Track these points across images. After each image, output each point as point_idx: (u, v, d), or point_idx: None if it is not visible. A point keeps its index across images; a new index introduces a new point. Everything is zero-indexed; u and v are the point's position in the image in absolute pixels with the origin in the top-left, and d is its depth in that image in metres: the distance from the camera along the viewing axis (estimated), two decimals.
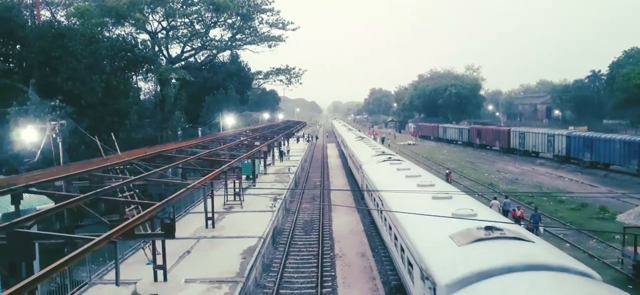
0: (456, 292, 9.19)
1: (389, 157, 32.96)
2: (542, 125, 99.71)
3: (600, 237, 24.15)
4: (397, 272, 17.49)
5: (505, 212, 25.22)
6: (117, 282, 15.36)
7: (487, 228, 11.48)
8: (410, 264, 13.58)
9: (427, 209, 14.13)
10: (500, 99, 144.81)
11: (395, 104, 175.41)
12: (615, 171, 45.74)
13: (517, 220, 22.68)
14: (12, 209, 14.43)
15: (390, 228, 17.92)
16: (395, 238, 16.41)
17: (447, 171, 42.55)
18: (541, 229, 24.15)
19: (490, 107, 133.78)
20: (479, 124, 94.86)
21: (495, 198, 28.91)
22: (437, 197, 16.50)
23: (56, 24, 35.29)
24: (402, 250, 14.94)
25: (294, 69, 73.10)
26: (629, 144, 43.75)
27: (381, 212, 20.65)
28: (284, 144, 61.98)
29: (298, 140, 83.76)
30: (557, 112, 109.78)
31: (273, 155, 49.31)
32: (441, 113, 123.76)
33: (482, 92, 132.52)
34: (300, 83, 75.04)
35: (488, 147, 74.79)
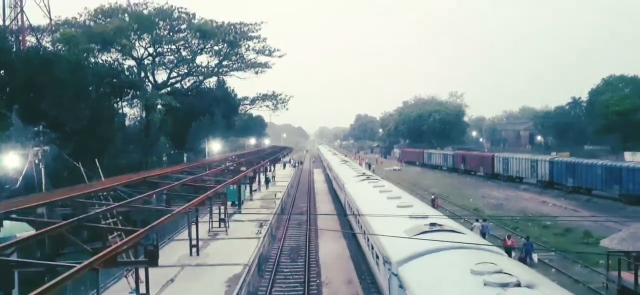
0: (402, 266, 12.92)
1: (368, 177, 38.36)
2: (525, 151, 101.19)
3: (585, 262, 24.37)
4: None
5: (483, 235, 26.66)
6: None
7: (431, 224, 15.58)
8: (377, 256, 17.60)
9: (388, 210, 18.79)
10: (484, 125, 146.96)
11: (380, 130, 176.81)
12: (598, 196, 46.41)
13: (508, 249, 21.37)
14: None
15: (364, 234, 22.07)
16: (368, 240, 20.34)
17: (433, 197, 42.75)
18: (535, 258, 22.85)
19: (474, 133, 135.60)
20: (463, 149, 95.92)
21: (477, 220, 30.49)
22: (402, 206, 20.70)
23: (42, 50, 35.17)
24: (372, 248, 18.86)
25: (280, 94, 73.64)
26: (610, 169, 44.55)
27: (357, 218, 24.84)
28: (270, 170, 61.86)
29: (284, 166, 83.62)
30: (539, 138, 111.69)
31: (259, 181, 49.09)
32: (426, 139, 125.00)
33: (465, 118, 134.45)
34: (287, 108, 75.52)
35: (472, 173, 75.49)
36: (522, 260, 20.81)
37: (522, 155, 66.10)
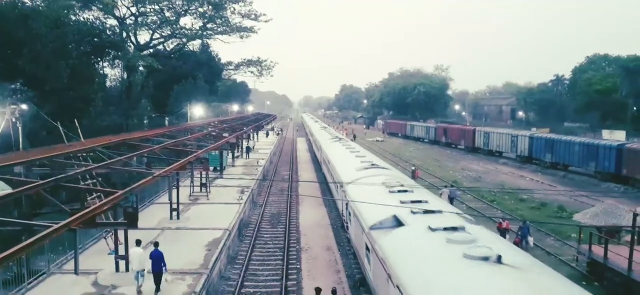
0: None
1: (340, 139, 47.64)
2: (507, 126, 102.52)
3: (557, 235, 25.07)
4: (360, 266, 17.80)
5: (451, 200, 28.41)
6: (76, 271, 15.06)
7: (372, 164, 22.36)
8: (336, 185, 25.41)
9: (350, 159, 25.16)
10: (467, 99, 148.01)
11: (365, 101, 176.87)
12: (574, 172, 47.48)
13: (502, 232, 20.69)
14: None
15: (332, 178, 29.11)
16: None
17: (413, 168, 43.25)
18: (531, 242, 21.22)
19: (457, 107, 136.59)
20: (445, 122, 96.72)
21: (445, 186, 33.79)
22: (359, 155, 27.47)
23: (20, 4, 33.94)
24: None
25: (265, 61, 72.73)
26: (587, 146, 45.48)
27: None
28: (253, 138, 61.61)
29: (267, 134, 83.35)
30: (521, 113, 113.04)
31: (240, 149, 48.91)
32: (410, 111, 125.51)
33: (449, 92, 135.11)
34: (271, 75, 74.75)
35: (454, 146, 76.34)
36: (517, 244, 19.87)
37: (503, 130, 66.97)
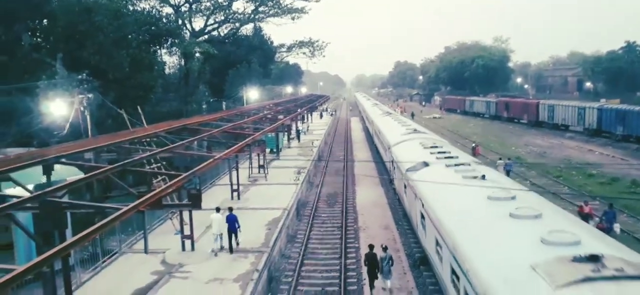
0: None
1: (389, 114, 52.77)
2: (573, 98, 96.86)
3: (631, 212, 23.48)
4: (420, 245, 17.52)
5: (507, 172, 28.51)
6: (146, 250, 15.77)
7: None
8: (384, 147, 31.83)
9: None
10: (529, 71, 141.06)
11: (420, 77, 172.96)
12: None
13: (585, 217, 18.22)
14: (43, 179, 14.79)
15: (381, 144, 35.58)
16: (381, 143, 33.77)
17: (474, 145, 41.84)
18: (617, 229, 18.50)
19: (519, 80, 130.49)
20: (506, 96, 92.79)
21: (500, 158, 34.32)
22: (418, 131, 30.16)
23: None
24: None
25: (317, 41, 72.39)
26: None
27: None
28: (307, 119, 61.81)
29: (321, 115, 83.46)
30: (588, 84, 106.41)
31: (296, 130, 49.23)
32: (468, 86, 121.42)
33: (510, 64, 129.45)
34: (324, 56, 74.33)
35: (516, 121, 73.21)
36: (603, 230, 16.22)
37: (568, 103, 63.35)
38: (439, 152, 21.74)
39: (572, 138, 54.00)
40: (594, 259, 7.74)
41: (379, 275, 15.08)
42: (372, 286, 15.19)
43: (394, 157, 26.49)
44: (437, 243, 13.37)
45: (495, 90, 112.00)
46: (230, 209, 17.32)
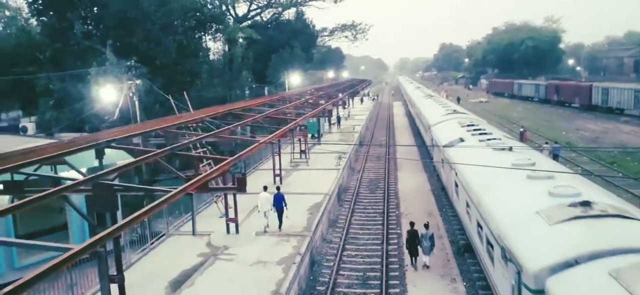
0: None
1: (431, 96, 53.89)
2: (629, 80, 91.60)
3: None
4: (465, 232, 17.23)
5: (555, 156, 27.59)
6: (194, 232, 16.23)
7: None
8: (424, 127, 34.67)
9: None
10: (582, 52, 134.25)
11: (466, 60, 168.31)
12: None
13: None
14: (95, 163, 15.46)
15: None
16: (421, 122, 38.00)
17: (522, 129, 40.41)
18: None
19: (571, 62, 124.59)
20: (557, 79, 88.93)
21: (546, 142, 33.19)
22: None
23: None
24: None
25: (359, 24, 71.78)
26: None
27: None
28: (348, 104, 61.43)
29: (362, 101, 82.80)
30: None
31: (337, 116, 49.07)
32: (516, 68, 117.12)
33: (562, 46, 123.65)
34: (366, 39, 73.74)
35: (567, 104, 70.16)
36: None
37: (624, 85, 60.00)
38: (474, 130, 23.49)
39: (627, 122, 51.23)
40: (585, 203, 9.88)
41: (420, 250, 15.95)
42: (413, 262, 16.24)
43: (433, 136, 28.46)
44: (467, 204, 15.58)
45: (545, 73, 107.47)
46: (278, 188, 18.42)
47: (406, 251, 16.49)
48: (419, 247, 15.89)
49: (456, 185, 18.13)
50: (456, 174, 17.78)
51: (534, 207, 10.54)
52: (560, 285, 7.82)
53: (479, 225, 13.36)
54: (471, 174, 15.50)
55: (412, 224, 16.36)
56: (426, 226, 16.10)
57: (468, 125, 25.02)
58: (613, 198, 11.71)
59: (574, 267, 8.04)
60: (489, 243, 12.13)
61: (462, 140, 21.35)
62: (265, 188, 17.68)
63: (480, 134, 22.09)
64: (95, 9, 34.95)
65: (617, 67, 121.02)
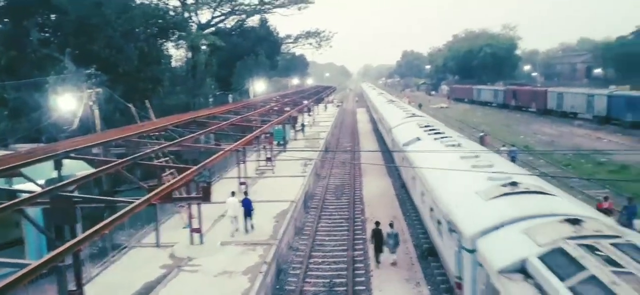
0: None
1: (392, 102, 57.28)
2: (582, 85, 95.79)
3: None
4: (428, 237, 17.59)
5: (512, 159, 28.95)
6: (157, 244, 15.92)
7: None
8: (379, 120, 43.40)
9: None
10: (538, 58, 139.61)
11: (428, 66, 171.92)
12: None
13: (606, 212, 15.91)
14: (54, 174, 14.94)
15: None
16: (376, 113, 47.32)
17: (482, 134, 41.64)
18: (638, 226, 16.88)
19: (527, 68, 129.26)
20: (514, 85, 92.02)
21: (503, 145, 36.50)
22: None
23: None
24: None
25: (323, 32, 72.40)
26: None
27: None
28: (313, 111, 61.63)
29: (326, 107, 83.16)
30: (598, 71, 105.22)
31: (301, 124, 49.10)
32: (476, 74, 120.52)
33: (518, 52, 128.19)
34: (330, 46, 74.37)
35: (524, 109, 72.73)
36: (622, 226, 15.06)
37: (577, 90, 62.77)
38: (430, 130, 26.13)
39: (581, 126, 53.59)
40: (513, 184, 12.34)
41: (384, 248, 16.86)
42: (378, 260, 16.96)
43: (393, 137, 31.66)
44: (422, 193, 17.85)
45: (504, 79, 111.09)
46: (246, 193, 19.26)
47: (371, 250, 17.24)
48: (384, 246, 16.79)
49: (413, 178, 20.69)
50: (413, 168, 20.40)
51: (474, 188, 12.89)
52: (485, 242, 10.09)
53: (431, 209, 15.83)
54: (424, 167, 17.62)
55: (377, 223, 17.15)
56: (391, 225, 17.25)
57: (425, 127, 27.73)
58: (536, 180, 14.61)
59: (498, 229, 10.17)
60: (438, 222, 14.55)
61: (419, 139, 24.05)
62: (232, 193, 18.32)
63: (435, 133, 24.77)
64: (53, 16, 33.87)
65: (570, 73, 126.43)
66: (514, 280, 8.46)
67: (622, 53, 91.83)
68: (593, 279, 7.20)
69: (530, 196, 11.67)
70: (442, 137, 23.20)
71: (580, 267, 7.57)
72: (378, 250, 16.82)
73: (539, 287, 7.92)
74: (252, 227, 18.28)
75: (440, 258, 15.35)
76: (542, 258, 8.27)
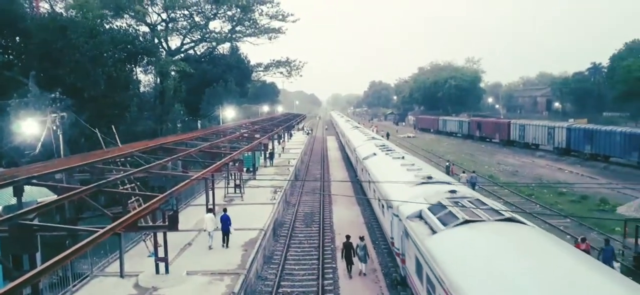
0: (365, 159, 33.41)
1: (357, 127, 71.07)
2: (542, 117, 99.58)
3: (601, 229, 24.17)
4: (397, 265, 17.71)
5: (472, 185, 30.81)
6: (121, 274, 15.35)
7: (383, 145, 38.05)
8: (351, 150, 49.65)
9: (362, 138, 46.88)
10: (500, 91, 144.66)
11: (395, 97, 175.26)
12: (616, 163, 45.78)
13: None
14: (13, 201, 14.41)
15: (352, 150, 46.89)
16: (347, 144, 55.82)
17: (448, 164, 42.54)
18: (617, 267, 16.85)
19: (490, 100, 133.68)
20: (478, 116, 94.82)
21: (464, 172, 39.11)
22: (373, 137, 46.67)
23: (59, 16, 34.99)
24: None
25: (294, 61, 72.82)
26: (629, 136, 43.76)
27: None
28: (283, 139, 61.66)
29: (291, 135, 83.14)
30: (557, 104, 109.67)
31: (270, 152, 48.91)
32: (441, 105, 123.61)
33: (482, 85, 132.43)
34: (301, 75, 74.79)
35: (488, 140, 74.81)
36: None
37: (539, 122, 65.17)
38: (383, 148, 35.12)
39: (543, 157, 55.48)
40: (429, 177, 19.67)
41: (354, 260, 18.76)
42: (349, 271, 18.83)
43: (357, 154, 39.49)
44: (374, 191, 24.87)
45: (468, 110, 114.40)
46: (225, 210, 20.01)
47: (342, 262, 19.12)
48: (354, 257, 18.74)
49: (369, 182, 27.88)
50: (369, 173, 28.14)
51: (407, 180, 19.17)
52: (403, 207, 15.92)
53: (378, 199, 22.98)
54: (376, 171, 26.03)
55: (348, 236, 19.31)
56: (361, 238, 19.25)
57: (381, 146, 36.63)
58: (446, 177, 23.17)
59: (411, 202, 15.59)
60: (381, 203, 21.82)
61: (374, 154, 32.40)
62: (209, 210, 19.58)
63: (387, 150, 33.14)
64: (17, 38, 33.03)
65: (531, 105, 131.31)
66: (414, 221, 14.62)
67: (579, 88, 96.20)
68: (449, 213, 13.39)
69: (439, 185, 18.18)
70: (391, 152, 31.81)
71: (445, 209, 13.84)
72: (349, 262, 18.75)
73: (427, 223, 13.83)
74: (227, 245, 19.09)
75: (381, 227, 23.00)
76: (430, 209, 14.36)
